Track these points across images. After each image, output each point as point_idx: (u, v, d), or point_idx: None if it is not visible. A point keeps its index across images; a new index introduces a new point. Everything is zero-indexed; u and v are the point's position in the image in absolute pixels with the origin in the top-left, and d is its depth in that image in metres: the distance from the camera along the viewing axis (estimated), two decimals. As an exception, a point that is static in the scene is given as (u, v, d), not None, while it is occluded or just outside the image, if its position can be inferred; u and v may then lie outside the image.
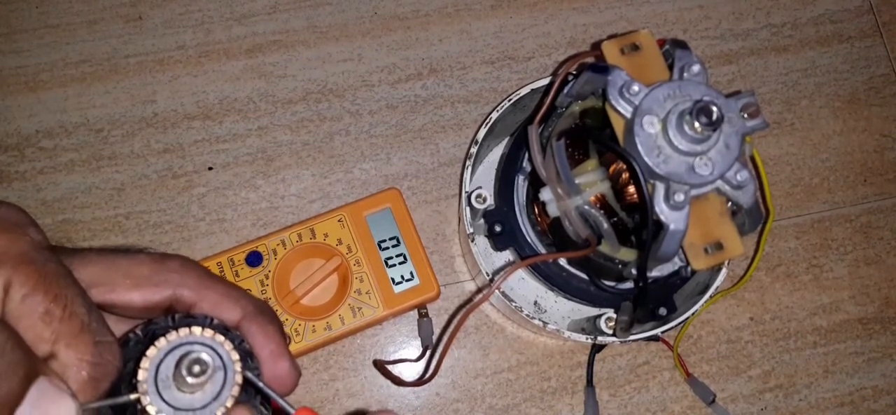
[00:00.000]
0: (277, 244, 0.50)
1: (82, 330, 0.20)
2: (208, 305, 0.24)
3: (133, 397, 0.21)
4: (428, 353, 0.51)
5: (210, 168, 0.55)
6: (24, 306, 0.20)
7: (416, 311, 0.52)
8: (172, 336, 0.22)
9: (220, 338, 0.22)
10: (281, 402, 0.23)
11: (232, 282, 0.25)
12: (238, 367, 0.22)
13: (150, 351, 0.21)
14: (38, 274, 0.20)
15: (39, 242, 0.21)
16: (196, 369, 0.21)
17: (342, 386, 0.52)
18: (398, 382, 0.50)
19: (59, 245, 0.23)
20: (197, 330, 0.22)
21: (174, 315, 0.23)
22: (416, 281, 0.50)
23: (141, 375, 0.21)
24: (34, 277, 0.20)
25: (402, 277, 0.50)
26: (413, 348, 0.53)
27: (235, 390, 0.22)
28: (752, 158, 0.38)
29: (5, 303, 0.20)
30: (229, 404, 0.21)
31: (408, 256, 0.51)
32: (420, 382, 0.50)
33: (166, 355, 0.22)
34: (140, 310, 0.24)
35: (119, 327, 0.24)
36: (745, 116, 0.36)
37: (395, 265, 0.50)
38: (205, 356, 0.21)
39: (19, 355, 0.19)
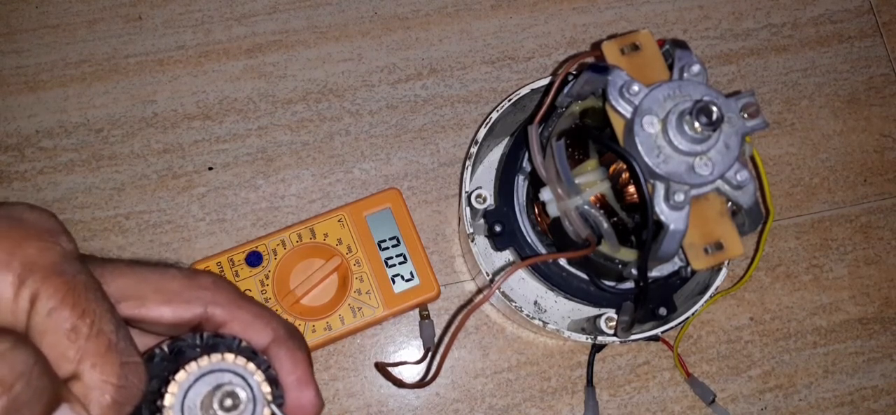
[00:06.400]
0: (277, 244, 0.50)
1: (109, 350, 0.19)
2: (239, 326, 0.23)
3: None
4: (429, 355, 0.51)
5: (210, 168, 0.55)
6: (50, 321, 0.19)
7: (417, 312, 0.52)
8: (204, 362, 0.21)
9: (252, 367, 0.21)
10: None
11: (261, 303, 0.25)
12: (268, 398, 0.21)
13: (180, 375, 0.21)
14: (67, 287, 0.19)
15: (70, 251, 0.20)
16: (228, 402, 0.20)
17: (342, 386, 0.52)
18: (399, 383, 0.50)
19: (89, 254, 0.22)
20: (229, 357, 0.21)
21: (202, 334, 0.22)
22: (416, 281, 0.50)
23: (168, 400, 0.20)
24: (62, 290, 0.19)
25: (402, 277, 0.50)
26: (413, 348, 0.53)
27: None
28: (752, 158, 0.38)
29: (31, 317, 0.19)
30: None
31: (408, 256, 0.51)
32: (421, 384, 0.50)
33: (196, 380, 0.21)
34: (169, 326, 0.23)
35: (142, 341, 0.23)
36: (745, 115, 0.36)
37: (395, 265, 0.50)
38: (239, 391, 0.21)
39: (46, 382, 0.18)
